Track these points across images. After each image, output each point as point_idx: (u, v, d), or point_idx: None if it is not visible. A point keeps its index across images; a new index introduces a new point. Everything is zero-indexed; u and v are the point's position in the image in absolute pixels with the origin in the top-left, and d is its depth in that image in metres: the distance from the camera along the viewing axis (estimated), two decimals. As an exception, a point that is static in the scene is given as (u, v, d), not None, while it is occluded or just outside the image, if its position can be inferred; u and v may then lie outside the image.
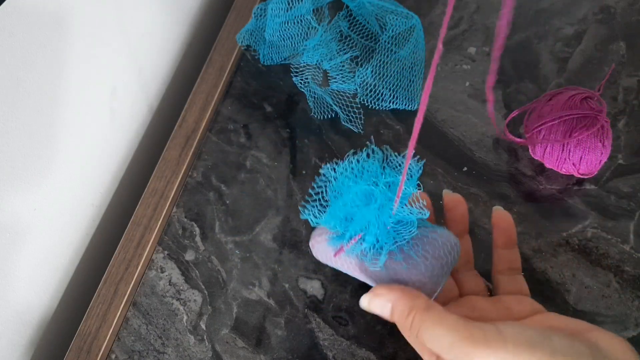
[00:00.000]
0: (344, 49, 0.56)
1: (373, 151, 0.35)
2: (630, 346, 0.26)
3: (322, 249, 0.36)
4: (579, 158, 0.44)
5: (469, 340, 0.25)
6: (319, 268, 0.47)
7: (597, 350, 0.25)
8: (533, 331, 0.25)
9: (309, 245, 0.35)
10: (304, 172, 0.51)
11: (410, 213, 0.32)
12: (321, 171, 0.36)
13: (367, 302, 0.30)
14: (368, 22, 0.57)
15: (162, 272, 0.49)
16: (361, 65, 0.55)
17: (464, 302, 0.34)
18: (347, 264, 0.35)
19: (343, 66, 0.54)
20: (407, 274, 0.31)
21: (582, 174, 0.46)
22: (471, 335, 0.25)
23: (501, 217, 0.36)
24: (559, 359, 0.24)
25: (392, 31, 0.54)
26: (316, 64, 0.55)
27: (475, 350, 0.25)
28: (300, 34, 0.54)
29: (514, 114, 0.50)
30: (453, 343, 0.25)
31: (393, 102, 0.53)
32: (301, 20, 0.54)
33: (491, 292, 0.37)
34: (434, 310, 0.27)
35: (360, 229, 0.33)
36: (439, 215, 0.40)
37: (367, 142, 0.36)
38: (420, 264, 0.31)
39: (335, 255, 0.34)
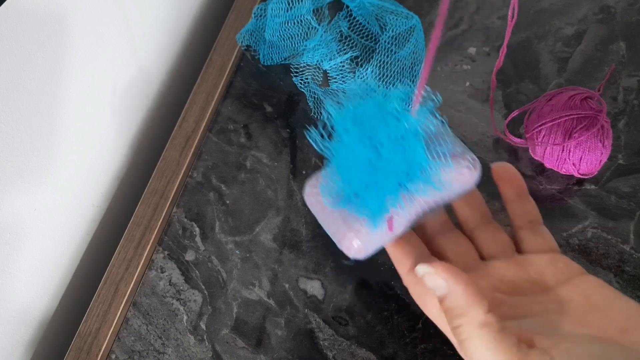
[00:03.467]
0: (344, 49, 0.56)
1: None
2: None
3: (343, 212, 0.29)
4: (579, 158, 0.44)
5: None
6: (319, 268, 0.47)
7: None
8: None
9: (306, 199, 0.30)
10: (304, 172, 0.51)
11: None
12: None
13: (423, 273, 0.27)
14: (368, 23, 0.57)
15: (162, 272, 0.49)
16: (361, 66, 0.55)
17: (487, 272, 0.30)
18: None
19: (343, 66, 0.54)
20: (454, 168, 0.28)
21: (582, 174, 0.46)
22: None
23: (504, 170, 0.32)
24: None
25: (392, 31, 0.54)
26: (316, 64, 0.55)
27: None
28: (301, 34, 0.54)
29: (514, 114, 0.50)
30: None
31: (393, 102, 0.53)
32: (301, 21, 0.54)
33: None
34: (489, 330, 0.24)
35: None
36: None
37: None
38: (457, 147, 0.28)
39: (390, 228, 0.29)
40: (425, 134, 0.28)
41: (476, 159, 0.29)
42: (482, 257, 0.31)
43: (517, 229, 0.32)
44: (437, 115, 0.29)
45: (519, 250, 0.32)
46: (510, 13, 0.34)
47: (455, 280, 0.26)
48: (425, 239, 0.32)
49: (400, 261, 0.30)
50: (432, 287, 0.27)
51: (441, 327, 0.29)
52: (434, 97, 0.28)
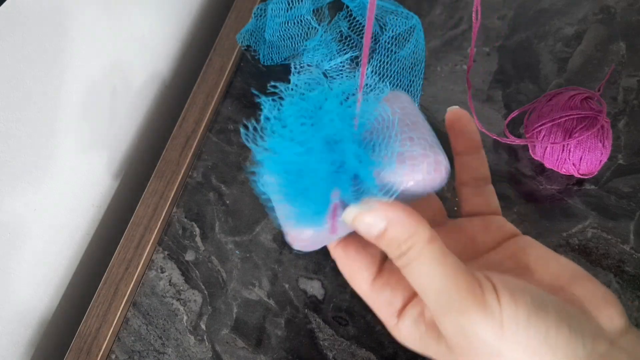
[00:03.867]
0: (344, 49, 0.56)
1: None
2: (616, 302, 0.23)
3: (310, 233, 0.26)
4: (579, 158, 0.44)
5: (464, 293, 0.21)
6: (319, 268, 0.47)
7: (586, 317, 0.22)
8: (531, 299, 0.22)
9: (290, 243, 0.27)
10: (304, 172, 0.51)
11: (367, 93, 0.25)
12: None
13: (353, 216, 0.24)
14: (368, 22, 0.57)
15: (162, 272, 0.49)
16: (361, 66, 0.55)
17: None
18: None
19: (343, 66, 0.54)
20: (410, 168, 0.24)
21: (582, 174, 0.46)
22: (469, 289, 0.21)
23: (457, 118, 0.29)
24: (555, 337, 0.21)
25: (392, 31, 0.54)
26: (316, 64, 0.55)
27: (466, 310, 0.21)
28: (301, 34, 0.54)
29: (514, 114, 0.50)
30: (444, 290, 0.22)
31: (393, 102, 0.53)
32: (301, 21, 0.54)
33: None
34: (436, 244, 0.23)
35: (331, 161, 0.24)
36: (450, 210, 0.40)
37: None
38: (415, 146, 0.25)
39: (332, 226, 0.25)
40: (372, 127, 0.25)
41: (442, 161, 0.25)
42: (461, 215, 0.30)
43: (459, 185, 0.30)
44: (386, 107, 0.26)
45: (458, 209, 0.30)
46: (474, 15, 0.33)
47: (395, 208, 0.23)
48: None
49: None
50: (366, 231, 0.24)
51: (371, 303, 0.27)
52: (387, 87, 0.26)
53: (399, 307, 0.26)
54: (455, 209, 0.31)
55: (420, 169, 0.24)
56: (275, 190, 0.26)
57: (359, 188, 0.24)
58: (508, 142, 0.49)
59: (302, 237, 0.26)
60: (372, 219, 0.23)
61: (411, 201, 0.25)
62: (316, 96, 0.26)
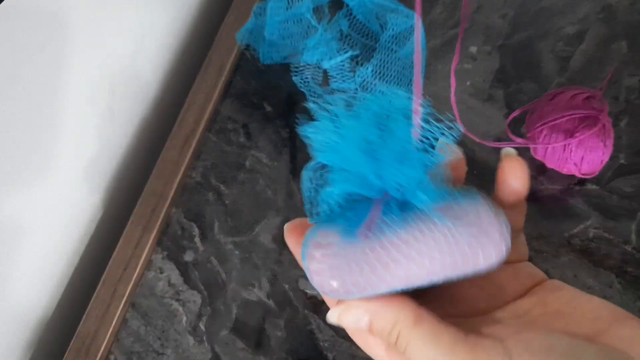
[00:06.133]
0: (344, 48, 0.55)
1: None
2: None
3: (341, 255, 0.21)
4: (580, 158, 0.44)
5: None
6: (319, 269, 0.47)
7: None
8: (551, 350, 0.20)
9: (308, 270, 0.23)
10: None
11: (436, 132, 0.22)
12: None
13: (337, 317, 0.23)
14: (368, 21, 0.56)
15: (161, 272, 0.49)
16: (361, 65, 0.55)
17: (438, 294, 0.26)
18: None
19: (343, 65, 0.54)
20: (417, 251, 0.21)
21: (583, 174, 0.45)
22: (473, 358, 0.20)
23: (514, 169, 0.27)
24: None
25: (393, 30, 0.54)
26: (316, 63, 0.54)
27: None
28: (300, 32, 0.54)
29: (515, 113, 0.49)
30: None
31: (393, 102, 0.52)
32: (301, 19, 0.54)
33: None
34: (424, 325, 0.21)
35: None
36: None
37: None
38: (440, 237, 0.21)
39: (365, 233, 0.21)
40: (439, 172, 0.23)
41: (507, 231, 0.22)
42: None
43: None
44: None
45: None
46: (462, 12, 0.32)
47: (368, 302, 0.22)
48: None
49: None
50: (355, 327, 0.23)
51: None
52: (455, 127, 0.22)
53: None
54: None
55: (489, 229, 0.22)
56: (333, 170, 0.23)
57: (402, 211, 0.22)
58: (500, 145, 0.49)
59: (326, 243, 0.21)
60: (353, 316, 0.23)
61: (463, 276, 0.22)
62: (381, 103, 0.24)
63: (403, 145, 0.22)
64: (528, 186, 0.27)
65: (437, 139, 0.23)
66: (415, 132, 0.22)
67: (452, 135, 0.23)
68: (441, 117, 0.24)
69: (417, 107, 0.22)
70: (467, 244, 0.22)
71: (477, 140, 0.51)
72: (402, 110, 0.23)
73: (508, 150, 0.28)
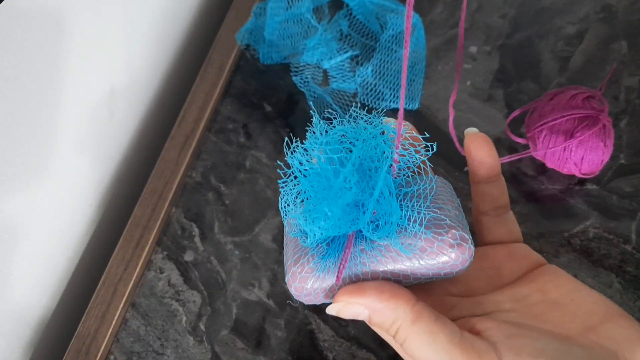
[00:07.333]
0: (344, 48, 0.55)
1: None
2: None
3: (315, 280, 0.25)
4: (580, 158, 0.44)
5: None
6: (319, 269, 0.47)
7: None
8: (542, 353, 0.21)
9: (292, 291, 0.26)
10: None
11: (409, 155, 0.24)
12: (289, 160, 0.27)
13: (336, 311, 0.24)
14: (368, 21, 0.56)
15: (161, 272, 0.49)
16: (361, 65, 0.55)
17: None
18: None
19: (343, 65, 0.54)
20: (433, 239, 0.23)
21: (583, 174, 0.45)
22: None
23: (477, 143, 0.28)
24: None
25: (393, 30, 0.54)
26: (316, 63, 0.54)
27: None
28: (300, 32, 0.54)
29: (515, 113, 0.49)
30: None
31: (393, 102, 0.52)
32: (301, 19, 0.54)
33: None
34: (422, 323, 0.22)
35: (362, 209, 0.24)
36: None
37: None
38: (444, 216, 0.24)
39: (340, 270, 0.24)
40: (406, 188, 0.25)
41: (468, 240, 0.24)
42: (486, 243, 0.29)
43: (480, 214, 0.29)
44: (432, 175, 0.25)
45: (479, 238, 0.29)
46: (462, 14, 0.33)
47: (365, 296, 0.23)
48: None
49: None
50: (355, 317, 0.24)
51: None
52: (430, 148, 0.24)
53: None
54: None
55: (443, 240, 0.23)
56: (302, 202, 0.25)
57: (377, 225, 0.24)
58: (509, 141, 0.49)
59: (306, 285, 0.25)
60: (353, 312, 0.24)
61: (434, 278, 0.24)
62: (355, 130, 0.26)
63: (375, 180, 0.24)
64: (496, 157, 0.28)
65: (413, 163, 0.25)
66: (395, 159, 0.24)
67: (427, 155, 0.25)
68: (418, 136, 0.26)
69: (399, 132, 0.23)
70: (428, 268, 0.24)
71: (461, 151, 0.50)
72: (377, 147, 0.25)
73: (470, 129, 0.29)
